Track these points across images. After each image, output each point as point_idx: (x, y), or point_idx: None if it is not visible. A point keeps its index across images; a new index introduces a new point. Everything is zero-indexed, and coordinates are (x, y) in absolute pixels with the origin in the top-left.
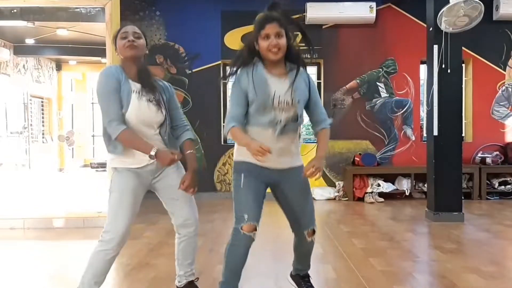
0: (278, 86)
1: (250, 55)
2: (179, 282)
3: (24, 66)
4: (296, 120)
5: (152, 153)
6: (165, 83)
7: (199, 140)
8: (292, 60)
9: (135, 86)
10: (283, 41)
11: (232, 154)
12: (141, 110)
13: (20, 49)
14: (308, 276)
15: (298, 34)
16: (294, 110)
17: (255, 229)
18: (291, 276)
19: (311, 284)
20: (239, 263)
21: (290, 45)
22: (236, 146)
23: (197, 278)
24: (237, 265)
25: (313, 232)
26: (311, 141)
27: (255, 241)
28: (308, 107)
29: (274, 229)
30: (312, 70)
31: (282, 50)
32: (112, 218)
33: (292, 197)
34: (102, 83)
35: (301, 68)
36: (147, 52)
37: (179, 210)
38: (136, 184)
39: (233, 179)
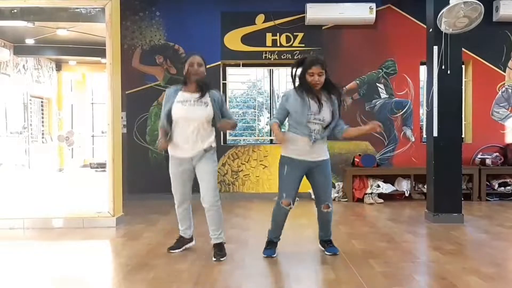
0: (314, 106)
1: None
2: (211, 240)
3: (24, 66)
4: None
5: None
6: (216, 92)
7: None
8: (327, 89)
9: (192, 96)
10: (322, 78)
11: (231, 155)
12: (186, 111)
13: (20, 49)
14: (331, 241)
15: (297, 35)
16: (322, 124)
17: (290, 204)
18: (320, 243)
19: (334, 245)
20: (280, 221)
21: (327, 79)
22: (283, 145)
23: (224, 242)
24: (279, 222)
25: (328, 206)
26: None
27: (255, 242)
28: (333, 118)
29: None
30: None
31: (321, 84)
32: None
33: (318, 180)
34: (164, 98)
35: (332, 96)
36: (205, 74)
37: (201, 189)
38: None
39: (279, 168)
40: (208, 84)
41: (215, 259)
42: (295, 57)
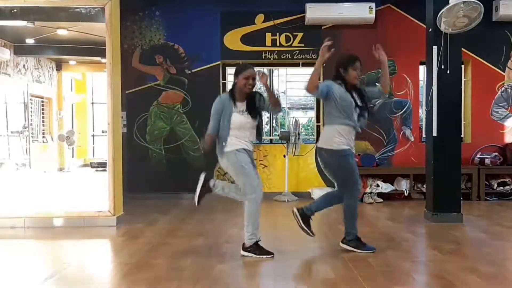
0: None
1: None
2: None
3: (24, 66)
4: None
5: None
6: (259, 94)
7: (199, 140)
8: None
9: (239, 105)
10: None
11: None
12: (240, 121)
13: (20, 49)
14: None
15: (297, 35)
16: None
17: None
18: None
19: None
20: (356, 212)
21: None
22: (332, 139)
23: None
24: (355, 213)
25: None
26: (310, 142)
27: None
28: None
29: (273, 230)
30: (310, 70)
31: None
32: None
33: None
34: (214, 105)
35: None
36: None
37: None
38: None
39: (343, 162)
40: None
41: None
42: (294, 57)
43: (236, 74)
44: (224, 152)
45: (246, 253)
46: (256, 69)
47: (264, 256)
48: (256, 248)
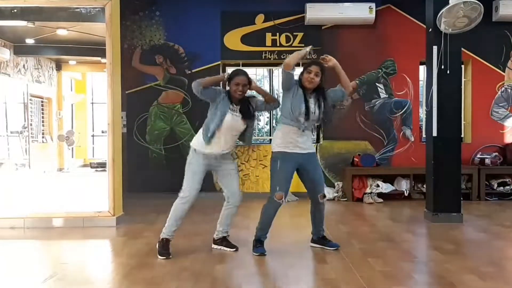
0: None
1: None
2: (216, 235)
3: (24, 66)
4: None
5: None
6: (254, 99)
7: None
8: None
9: (233, 107)
10: (317, 79)
11: (231, 155)
12: (231, 122)
13: (20, 49)
14: (326, 237)
15: (297, 35)
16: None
17: (282, 198)
18: (313, 241)
19: (331, 241)
20: (270, 218)
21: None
22: (274, 141)
23: (228, 235)
24: (269, 219)
25: (324, 196)
26: None
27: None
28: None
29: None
30: None
31: (314, 84)
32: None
33: (312, 171)
34: (215, 88)
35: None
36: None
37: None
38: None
39: (271, 165)
40: (248, 102)
41: (234, 249)
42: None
43: (228, 80)
44: (191, 144)
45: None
46: (256, 69)
47: (159, 256)
48: (162, 245)
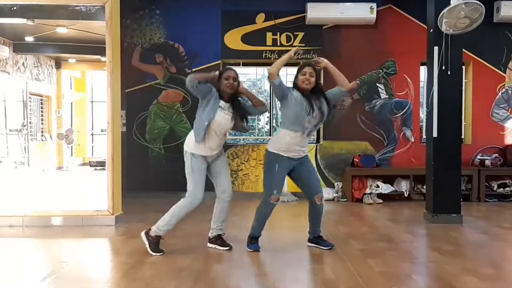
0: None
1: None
2: (211, 233)
3: (23, 64)
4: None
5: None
6: (243, 101)
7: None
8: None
9: (224, 104)
10: (313, 79)
11: (231, 154)
12: (221, 120)
13: (19, 47)
14: (322, 237)
15: (298, 35)
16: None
17: (279, 200)
18: (310, 240)
19: (327, 240)
20: (266, 218)
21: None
22: (273, 142)
23: (224, 234)
24: (265, 218)
25: (321, 197)
26: (310, 142)
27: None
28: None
29: (272, 231)
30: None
31: (311, 84)
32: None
33: (307, 172)
34: (206, 87)
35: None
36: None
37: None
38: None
39: (266, 165)
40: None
41: (228, 248)
42: (295, 57)
43: (218, 79)
44: (184, 148)
45: (145, 238)
46: (257, 68)
47: (153, 253)
48: (153, 241)
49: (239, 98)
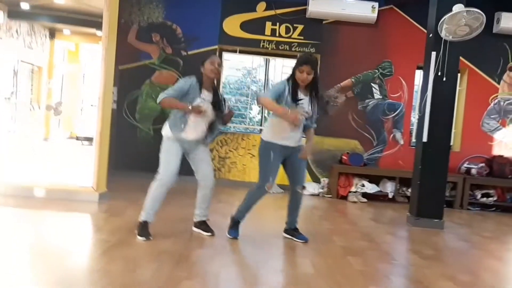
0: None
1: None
2: (195, 218)
3: (17, 30)
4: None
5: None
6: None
7: None
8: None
9: (204, 94)
10: (310, 77)
11: (220, 141)
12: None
13: (14, 13)
14: (298, 229)
15: (297, 27)
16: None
17: (271, 188)
18: (286, 231)
19: (302, 234)
20: (255, 203)
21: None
22: (266, 129)
23: (208, 219)
24: (253, 203)
25: (303, 187)
26: None
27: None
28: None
29: (257, 222)
30: None
31: (309, 81)
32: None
33: (297, 163)
34: (181, 83)
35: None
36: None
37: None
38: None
39: (262, 153)
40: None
41: (210, 233)
42: (292, 49)
43: (202, 63)
44: (163, 134)
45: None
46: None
47: (138, 237)
48: (141, 227)
49: (221, 95)
